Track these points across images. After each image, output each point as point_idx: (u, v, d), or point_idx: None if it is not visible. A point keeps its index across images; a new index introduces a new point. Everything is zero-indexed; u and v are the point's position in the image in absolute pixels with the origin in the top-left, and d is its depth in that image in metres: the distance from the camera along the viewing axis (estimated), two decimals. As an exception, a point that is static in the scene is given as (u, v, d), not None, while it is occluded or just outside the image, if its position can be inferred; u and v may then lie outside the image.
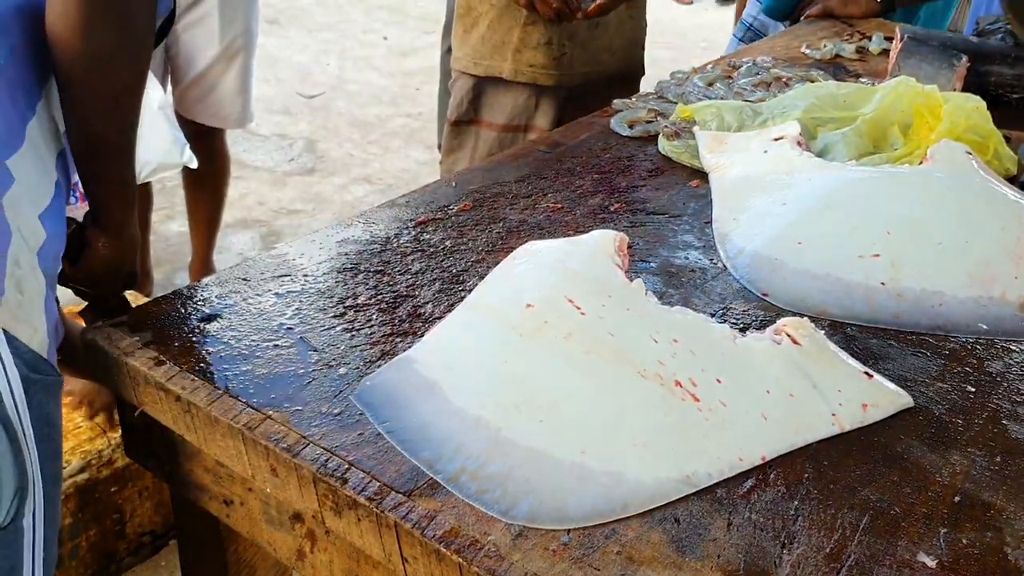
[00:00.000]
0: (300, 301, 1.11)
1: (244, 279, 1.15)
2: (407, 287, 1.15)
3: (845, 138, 1.46)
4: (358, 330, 1.06)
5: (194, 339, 1.04)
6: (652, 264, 1.23)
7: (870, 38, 2.20)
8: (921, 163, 1.35)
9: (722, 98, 1.73)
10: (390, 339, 1.05)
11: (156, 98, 2.24)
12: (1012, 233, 1.19)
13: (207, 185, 2.79)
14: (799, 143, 1.42)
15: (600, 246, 1.08)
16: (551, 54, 2.16)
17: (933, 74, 1.72)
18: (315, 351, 1.02)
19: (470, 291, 1.09)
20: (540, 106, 2.23)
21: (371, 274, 1.17)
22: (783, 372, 0.97)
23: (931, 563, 0.80)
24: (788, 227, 1.25)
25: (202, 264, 2.92)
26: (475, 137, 2.30)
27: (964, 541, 0.82)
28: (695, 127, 1.56)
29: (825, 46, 2.11)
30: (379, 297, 1.13)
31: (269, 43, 5.20)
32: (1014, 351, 1.09)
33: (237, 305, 1.10)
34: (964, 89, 1.73)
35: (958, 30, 2.67)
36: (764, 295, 1.17)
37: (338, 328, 1.06)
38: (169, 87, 2.55)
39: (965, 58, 1.76)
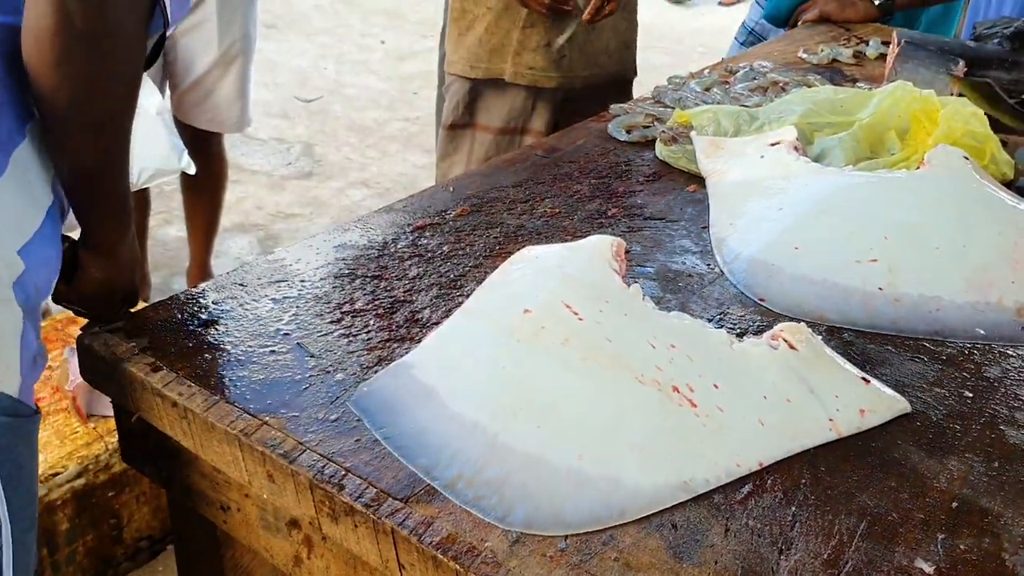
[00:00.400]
0: (297, 307, 1.11)
1: (241, 284, 1.15)
2: (404, 292, 1.15)
3: (842, 143, 1.46)
4: (355, 336, 1.06)
5: (191, 345, 1.04)
6: (649, 269, 1.23)
7: (867, 43, 2.20)
8: (918, 168, 1.35)
9: (719, 103, 1.74)
10: (387, 345, 1.05)
11: (154, 103, 2.24)
12: (1009, 238, 1.19)
13: (205, 190, 2.79)
14: (796, 148, 1.42)
15: (598, 251, 1.08)
16: (550, 56, 2.17)
17: (930, 79, 1.72)
18: (312, 357, 1.02)
19: (468, 296, 1.09)
20: (536, 108, 2.24)
21: (368, 279, 1.17)
22: (780, 377, 0.97)
23: (929, 569, 0.80)
24: (785, 232, 1.25)
25: (200, 269, 2.92)
26: (471, 141, 2.30)
27: (962, 547, 0.82)
28: (692, 132, 1.56)
29: (822, 51, 2.11)
30: (376, 303, 1.12)
31: (267, 47, 5.20)
32: (1011, 356, 1.09)
33: (234, 311, 1.09)
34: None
35: (956, 35, 2.66)
36: (761, 300, 1.17)
37: (335, 334, 1.06)
38: (167, 92, 2.55)
39: (962, 63, 1.76)
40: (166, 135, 2.27)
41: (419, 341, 1.04)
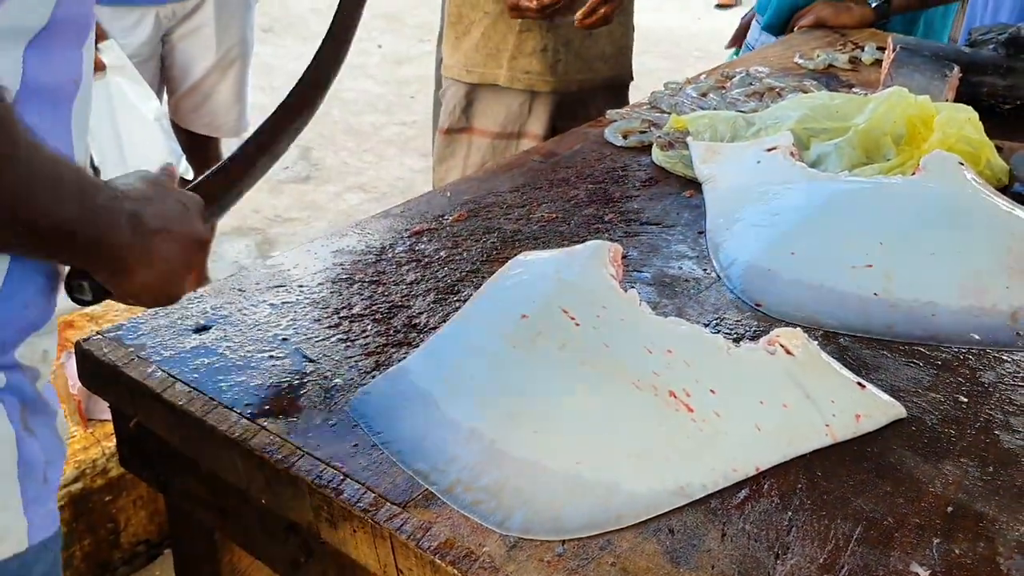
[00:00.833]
0: (295, 311, 1.11)
1: (239, 290, 1.15)
2: (402, 297, 1.15)
3: (838, 149, 1.47)
4: (353, 341, 1.06)
5: (189, 349, 1.04)
6: (646, 274, 1.23)
7: (863, 48, 2.21)
8: (914, 174, 1.35)
9: (715, 108, 1.74)
10: (385, 349, 1.05)
11: (152, 108, 2.24)
12: (1004, 243, 1.20)
13: (202, 194, 2.79)
14: (792, 154, 1.43)
15: (594, 256, 1.08)
16: (546, 61, 2.18)
17: (925, 84, 1.73)
18: (310, 362, 1.02)
19: (465, 301, 1.10)
20: (533, 112, 2.25)
21: (366, 284, 1.17)
22: (777, 383, 0.97)
23: (924, 573, 0.80)
24: (781, 238, 1.25)
25: (198, 273, 2.92)
26: (467, 145, 2.31)
27: (957, 551, 0.82)
28: (689, 137, 1.57)
29: (818, 56, 2.12)
30: (374, 307, 1.13)
31: (264, 51, 5.20)
32: (1006, 361, 1.09)
33: (232, 316, 1.10)
34: (956, 99, 1.73)
35: (953, 40, 2.67)
36: (757, 305, 1.17)
37: (333, 338, 1.07)
38: (165, 97, 2.55)
39: (957, 68, 1.77)
40: (164, 140, 2.28)
41: (417, 346, 1.04)
